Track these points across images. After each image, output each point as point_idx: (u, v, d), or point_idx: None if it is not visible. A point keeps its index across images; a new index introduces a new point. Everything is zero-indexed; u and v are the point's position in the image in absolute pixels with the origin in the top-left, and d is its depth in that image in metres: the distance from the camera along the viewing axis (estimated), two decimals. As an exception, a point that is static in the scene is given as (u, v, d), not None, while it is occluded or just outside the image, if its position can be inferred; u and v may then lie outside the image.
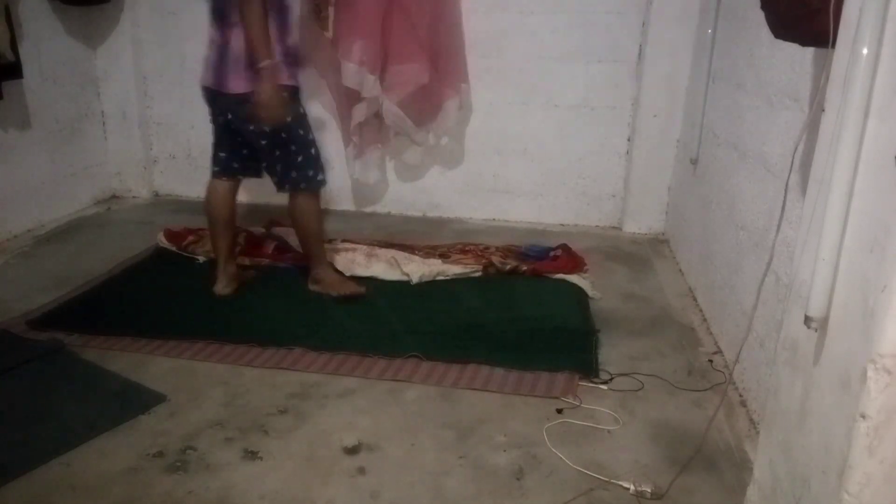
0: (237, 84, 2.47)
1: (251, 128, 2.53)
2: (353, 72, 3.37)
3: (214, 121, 2.67)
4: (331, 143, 3.85)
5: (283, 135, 2.56)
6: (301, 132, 2.61)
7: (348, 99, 3.53)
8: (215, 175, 2.74)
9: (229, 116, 2.57)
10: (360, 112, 3.50)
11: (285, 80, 2.48)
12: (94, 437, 1.91)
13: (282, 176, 2.65)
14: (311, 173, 2.64)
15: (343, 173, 3.83)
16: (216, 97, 2.55)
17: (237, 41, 2.43)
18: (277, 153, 2.60)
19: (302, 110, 2.63)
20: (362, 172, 3.74)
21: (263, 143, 2.58)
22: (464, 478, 1.79)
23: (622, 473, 1.80)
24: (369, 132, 3.66)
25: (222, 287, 2.75)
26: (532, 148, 3.78)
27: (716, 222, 2.65)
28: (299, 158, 2.61)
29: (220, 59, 2.49)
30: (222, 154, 2.70)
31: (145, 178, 4.18)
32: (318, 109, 3.69)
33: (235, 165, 2.72)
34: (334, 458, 1.86)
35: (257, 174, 2.77)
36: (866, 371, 1.08)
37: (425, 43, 3.44)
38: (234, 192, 2.76)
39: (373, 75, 3.40)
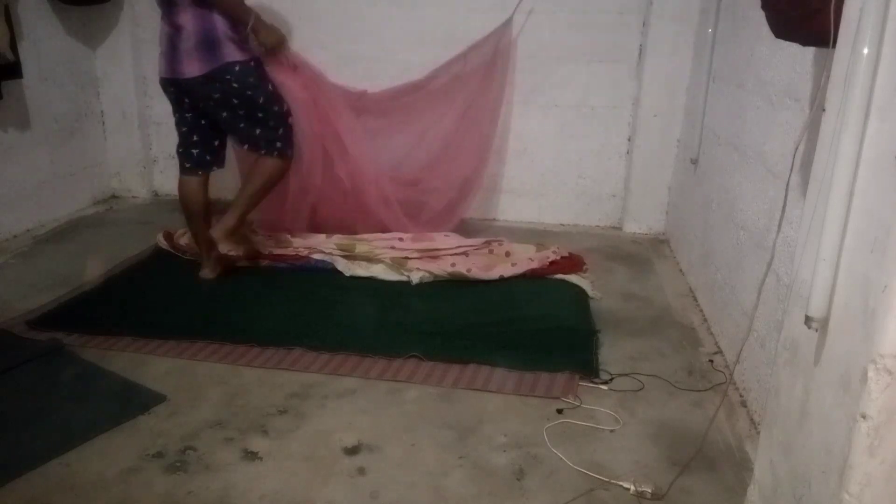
0: (192, 67, 2.58)
1: (218, 103, 2.65)
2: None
3: (181, 114, 2.75)
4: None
5: (260, 113, 2.69)
6: (275, 107, 2.74)
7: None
8: (187, 172, 2.82)
9: (199, 104, 2.67)
10: None
11: (244, 55, 2.63)
12: (94, 438, 1.91)
13: (253, 144, 2.76)
14: (279, 144, 2.76)
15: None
16: (177, 86, 2.65)
17: (187, 24, 2.56)
18: (241, 125, 2.71)
19: (270, 86, 2.73)
20: None
21: (241, 113, 2.67)
22: (464, 478, 1.79)
23: (622, 474, 1.80)
24: None
25: (208, 272, 2.85)
26: (532, 148, 3.78)
27: (716, 222, 2.65)
28: (257, 131, 2.73)
29: (172, 47, 2.61)
30: (195, 150, 2.79)
31: (145, 178, 4.18)
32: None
33: (208, 158, 2.83)
34: (334, 458, 1.86)
35: (222, 163, 2.91)
36: (867, 371, 1.08)
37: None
38: (206, 184, 2.86)
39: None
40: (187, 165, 2.82)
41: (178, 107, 2.75)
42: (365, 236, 3.25)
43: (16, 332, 2.47)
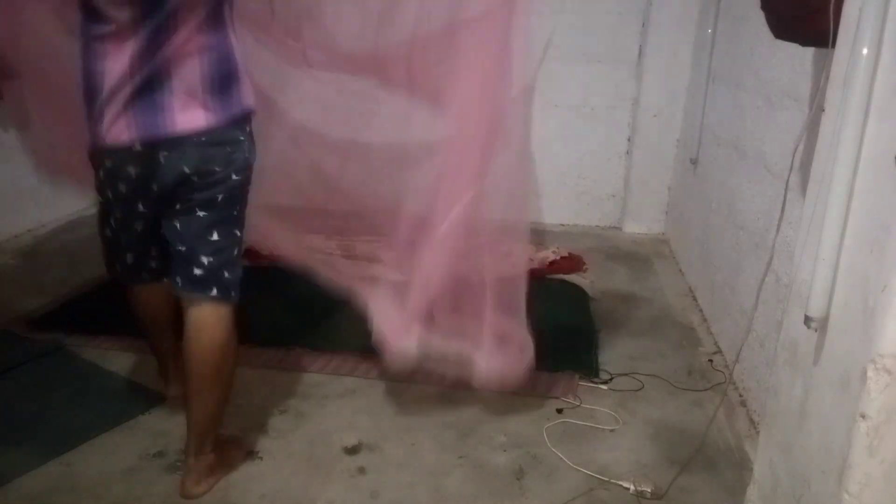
0: (193, 117, 1.50)
1: (205, 188, 1.55)
2: None
3: (127, 204, 1.63)
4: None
5: (235, 212, 1.64)
6: (244, 216, 1.70)
7: None
8: (147, 282, 1.85)
9: (164, 189, 1.55)
10: None
11: (252, 102, 1.60)
12: (95, 437, 1.92)
13: (211, 273, 1.64)
14: (238, 279, 1.74)
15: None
16: (136, 158, 1.53)
17: (192, 51, 1.47)
18: (214, 237, 1.61)
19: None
20: None
21: (203, 215, 1.58)
22: (464, 478, 1.79)
23: (622, 473, 1.80)
24: None
25: (177, 388, 1.98)
26: (532, 148, 3.78)
27: (716, 222, 2.65)
28: (235, 252, 1.68)
29: (146, 90, 1.48)
30: (153, 259, 1.79)
31: (145, 178, 4.17)
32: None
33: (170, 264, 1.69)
34: (334, 457, 1.86)
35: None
36: (866, 371, 1.08)
37: None
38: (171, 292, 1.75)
39: None
40: (146, 277, 1.83)
41: (124, 193, 1.60)
42: (365, 237, 3.25)
43: (17, 331, 2.48)
